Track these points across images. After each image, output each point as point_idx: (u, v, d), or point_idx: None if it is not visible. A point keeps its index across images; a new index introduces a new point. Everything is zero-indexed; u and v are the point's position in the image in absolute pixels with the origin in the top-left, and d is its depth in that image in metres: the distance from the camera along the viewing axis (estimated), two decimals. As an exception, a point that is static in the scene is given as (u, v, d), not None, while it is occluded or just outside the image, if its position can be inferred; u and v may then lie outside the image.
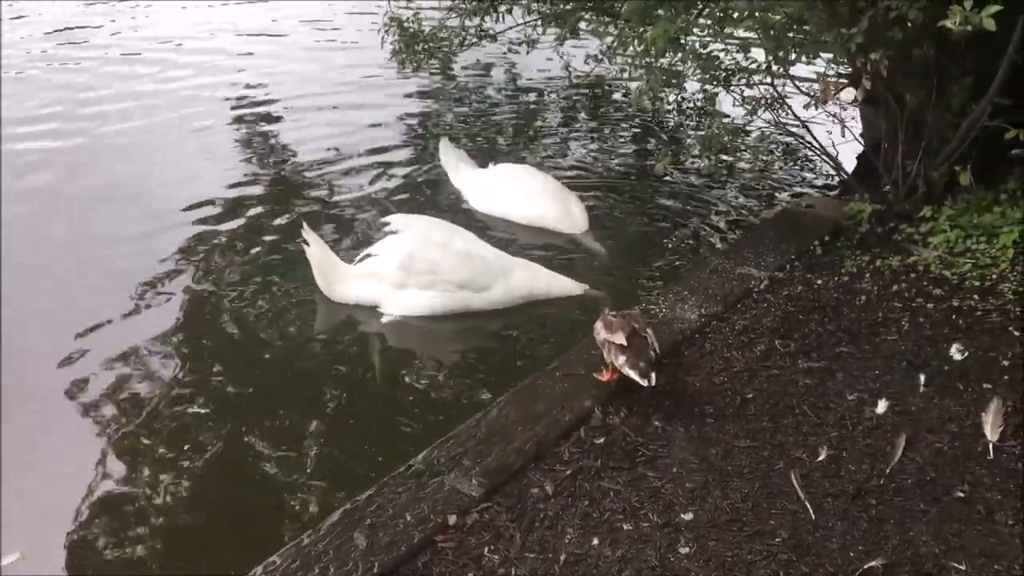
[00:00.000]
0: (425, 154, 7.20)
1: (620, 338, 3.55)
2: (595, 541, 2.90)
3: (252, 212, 6.13)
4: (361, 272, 4.99)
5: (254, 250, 5.59)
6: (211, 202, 6.24)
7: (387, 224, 5.09)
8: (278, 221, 6.00)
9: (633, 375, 3.47)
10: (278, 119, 8.02)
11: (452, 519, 3.00)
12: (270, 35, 10.84)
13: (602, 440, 3.36)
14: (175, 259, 5.45)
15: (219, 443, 3.89)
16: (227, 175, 6.77)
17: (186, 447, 3.87)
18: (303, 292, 5.07)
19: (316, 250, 4.94)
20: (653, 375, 3.45)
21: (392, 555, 2.85)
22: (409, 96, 8.72)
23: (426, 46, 7.47)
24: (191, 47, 10.25)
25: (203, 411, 4.11)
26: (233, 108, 8.26)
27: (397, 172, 6.88)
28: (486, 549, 2.88)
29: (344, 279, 5.00)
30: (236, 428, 3.98)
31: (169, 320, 4.81)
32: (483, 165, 6.56)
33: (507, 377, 4.23)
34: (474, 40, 7.68)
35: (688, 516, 2.99)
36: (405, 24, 7.43)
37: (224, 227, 5.89)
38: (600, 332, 3.65)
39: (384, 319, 4.90)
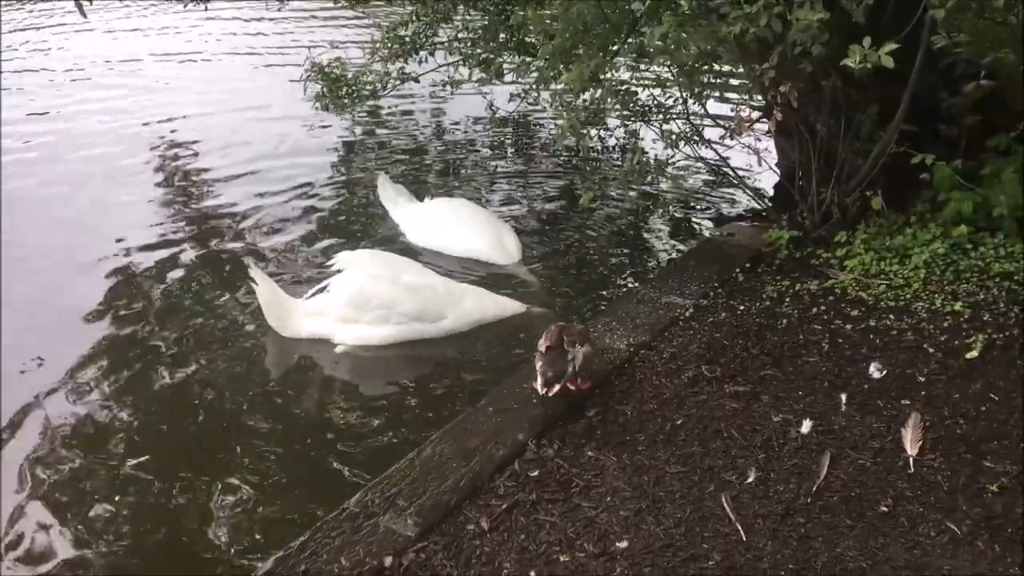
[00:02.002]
0: (359, 192, 7.24)
1: (542, 345, 3.77)
2: (532, 574, 2.91)
3: (186, 256, 6.08)
4: (312, 309, 5.00)
5: (192, 292, 5.57)
6: (144, 247, 6.20)
7: (332, 263, 5.13)
8: (214, 264, 5.97)
9: (537, 382, 3.69)
10: (204, 170, 7.93)
11: (388, 561, 2.98)
12: (188, 82, 10.77)
13: (536, 473, 3.38)
14: (106, 305, 5.38)
15: (147, 489, 3.81)
16: (154, 220, 6.72)
17: (112, 495, 3.78)
18: (250, 332, 5.06)
19: (264, 288, 4.93)
20: (555, 387, 3.66)
21: (328, 600, 2.82)
22: (335, 139, 8.73)
23: (350, 90, 7.50)
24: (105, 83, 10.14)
25: (134, 457, 4.02)
26: (155, 153, 8.20)
27: (334, 212, 6.92)
28: (423, 589, 2.87)
29: (295, 315, 5.00)
30: (166, 473, 3.90)
31: (104, 364, 4.74)
32: (420, 199, 6.62)
33: (448, 405, 4.31)
34: (397, 83, 7.74)
35: (623, 544, 3.02)
36: (327, 70, 7.46)
37: (158, 272, 5.85)
38: (539, 346, 3.83)
39: (337, 350, 4.92)
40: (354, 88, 7.46)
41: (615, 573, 2.90)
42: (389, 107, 9.50)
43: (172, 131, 8.88)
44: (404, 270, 5.13)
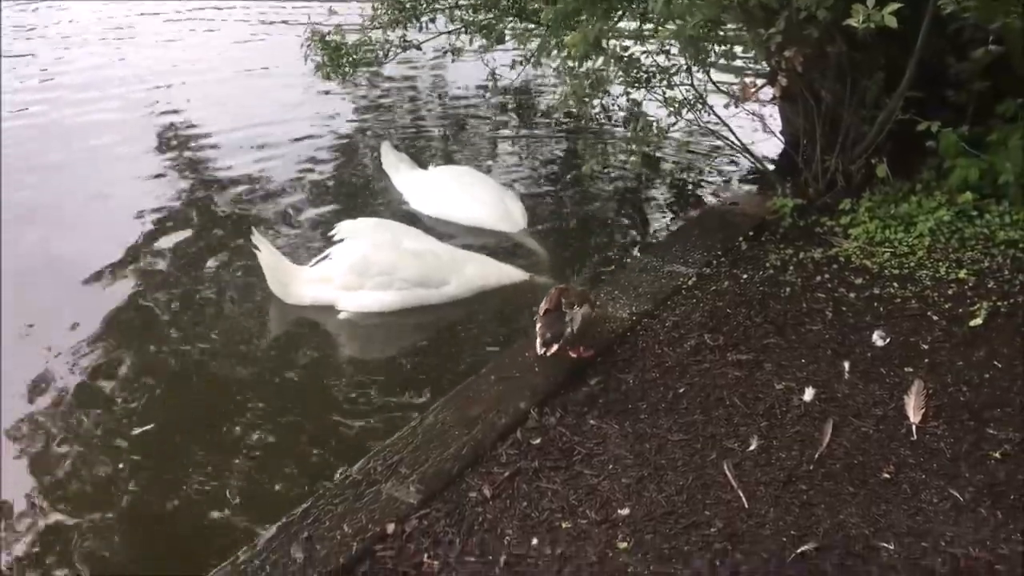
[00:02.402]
0: (361, 160, 7.22)
1: (541, 307, 3.80)
2: (534, 541, 2.91)
3: (190, 226, 6.08)
4: (314, 276, 5.01)
5: (197, 261, 5.55)
6: (146, 218, 6.18)
7: (335, 232, 5.12)
8: (218, 233, 5.97)
9: (537, 341, 3.71)
10: (205, 136, 7.91)
11: (390, 527, 2.98)
12: (185, 54, 10.70)
13: (538, 441, 3.38)
14: (104, 272, 5.38)
15: (145, 455, 3.82)
16: (154, 187, 6.73)
17: (116, 462, 3.79)
18: (252, 299, 5.07)
19: (267, 254, 4.94)
20: (553, 347, 3.69)
21: (330, 567, 2.82)
22: (337, 108, 8.69)
23: (350, 59, 7.44)
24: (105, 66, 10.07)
25: (138, 425, 4.03)
26: (156, 128, 8.15)
27: (335, 179, 6.91)
28: (425, 555, 2.87)
29: (298, 281, 5.01)
30: (170, 441, 3.91)
31: (104, 331, 4.75)
32: (424, 167, 6.60)
33: (450, 374, 4.30)
34: (398, 51, 7.68)
35: (625, 511, 3.02)
36: (328, 39, 7.40)
37: (162, 242, 5.84)
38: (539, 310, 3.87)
39: (341, 316, 4.92)
40: (355, 56, 7.40)
41: (617, 540, 2.90)
42: (391, 75, 9.44)
43: (171, 98, 8.85)
44: (406, 237, 5.11)
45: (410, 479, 3.19)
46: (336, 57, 7.42)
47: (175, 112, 8.57)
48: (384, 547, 2.91)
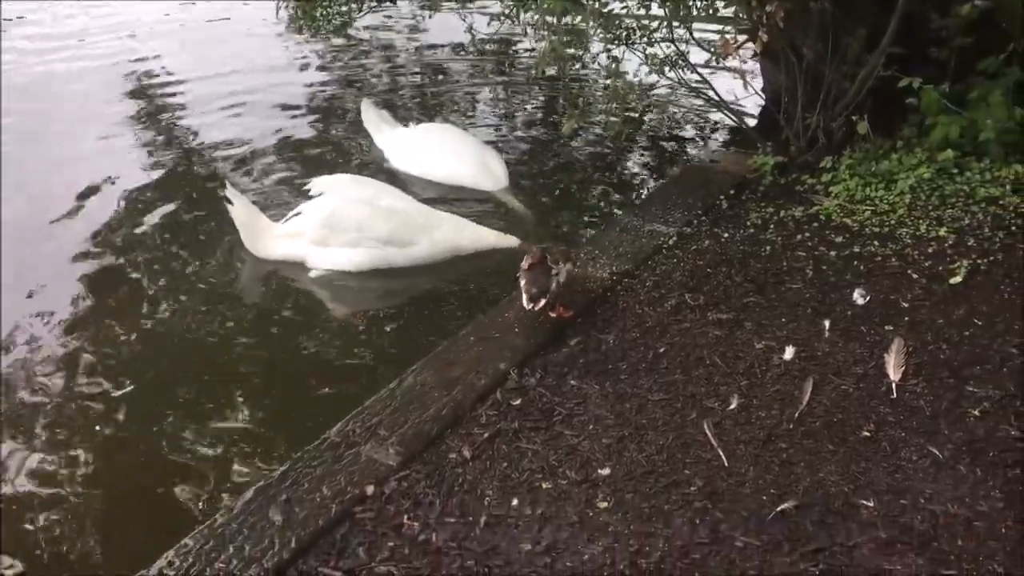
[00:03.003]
0: (337, 117, 7.15)
1: (525, 263, 3.75)
2: (515, 502, 2.90)
3: (161, 184, 6.01)
4: (286, 231, 4.95)
5: (168, 219, 5.50)
6: (113, 176, 6.07)
7: (309, 187, 5.06)
8: (188, 190, 5.90)
9: (523, 297, 3.68)
10: (173, 91, 7.78)
11: (370, 489, 2.96)
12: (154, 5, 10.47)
13: (518, 401, 3.36)
14: (79, 236, 5.30)
15: (122, 420, 3.79)
16: (124, 150, 6.59)
17: (92, 428, 3.75)
18: (225, 257, 5.02)
19: (240, 207, 4.88)
20: (541, 302, 3.65)
21: (309, 529, 2.80)
22: (310, 62, 8.55)
23: (325, 11, 7.30)
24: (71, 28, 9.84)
25: (114, 390, 3.97)
26: (128, 87, 7.99)
27: (310, 136, 6.84)
28: (405, 517, 2.85)
29: (269, 235, 4.96)
30: (141, 403, 3.87)
31: (78, 290, 4.71)
32: (404, 125, 6.54)
33: (426, 337, 4.23)
34: (374, 4, 7.53)
35: (605, 471, 3.01)
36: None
37: (130, 200, 5.77)
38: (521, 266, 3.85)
39: (312, 274, 4.88)
40: (329, 8, 7.26)
41: (597, 499, 2.89)
42: (366, 29, 9.27)
43: (140, 56, 8.66)
44: (382, 194, 5.04)
45: (389, 441, 3.16)
46: (310, 10, 7.28)
47: (142, 62, 8.40)
48: (363, 509, 2.89)
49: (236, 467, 3.50)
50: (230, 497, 3.08)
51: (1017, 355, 3.41)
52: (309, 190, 5.06)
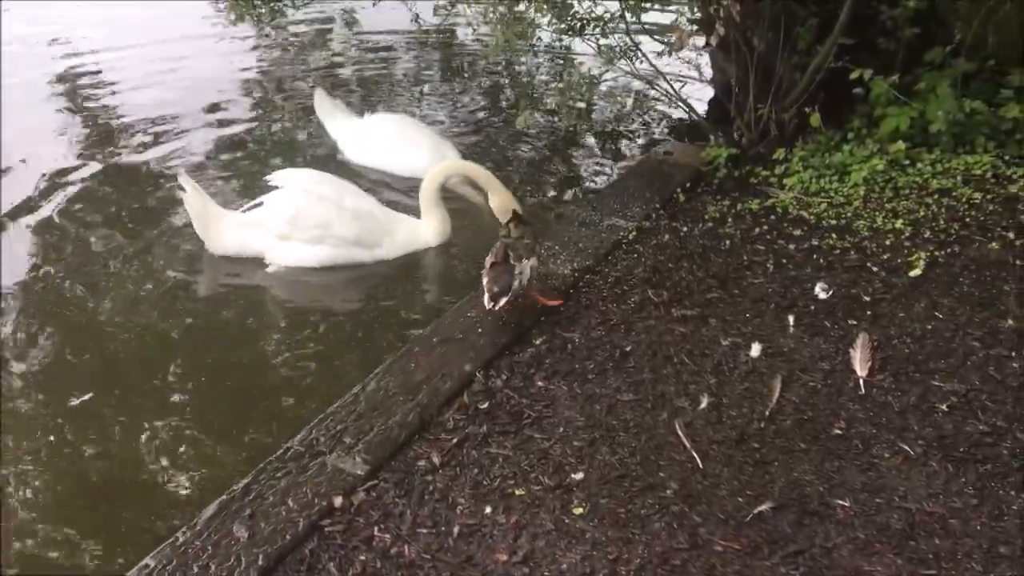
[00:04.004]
0: (282, 110, 7.02)
1: (488, 261, 3.71)
2: (488, 509, 2.83)
3: (111, 185, 5.79)
4: (246, 221, 4.81)
5: (121, 219, 5.30)
6: (52, 173, 5.85)
7: (271, 179, 4.92)
8: (141, 188, 5.72)
9: (484, 297, 3.61)
10: (111, 85, 7.50)
11: (338, 501, 2.86)
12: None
13: (486, 404, 3.28)
14: (27, 239, 5.10)
15: (76, 430, 3.61)
16: (62, 146, 6.37)
17: (48, 440, 3.57)
18: (181, 258, 4.87)
19: (195, 197, 4.71)
20: (502, 301, 3.58)
21: (276, 545, 2.70)
22: (249, 51, 8.33)
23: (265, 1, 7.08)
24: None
25: (68, 400, 3.79)
26: (60, 77, 7.69)
27: (257, 130, 6.69)
28: (376, 529, 2.77)
29: (226, 227, 4.80)
30: (90, 416, 3.70)
31: (32, 298, 4.52)
32: (360, 115, 6.38)
33: (390, 336, 4.18)
34: (314, -7, 7.35)
35: (579, 476, 2.96)
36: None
37: (74, 197, 5.56)
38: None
39: (269, 269, 4.76)
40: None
41: (572, 505, 2.83)
42: (306, 19, 9.06)
43: (76, 53, 8.33)
44: (345, 192, 4.91)
45: (355, 449, 3.06)
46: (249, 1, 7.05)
47: (77, 57, 8.09)
48: (332, 522, 2.80)
49: (197, 480, 3.36)
50: (192, 513, 2.95)
51: (980, 348, 3.45)
52: (269, 181, 4.91)
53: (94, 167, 5.98)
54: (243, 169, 5.94)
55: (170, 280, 4.65)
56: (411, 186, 5.59)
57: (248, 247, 4.80)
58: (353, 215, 4.78)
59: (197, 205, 4.74)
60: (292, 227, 4.72)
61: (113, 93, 7.41)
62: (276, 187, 4.87)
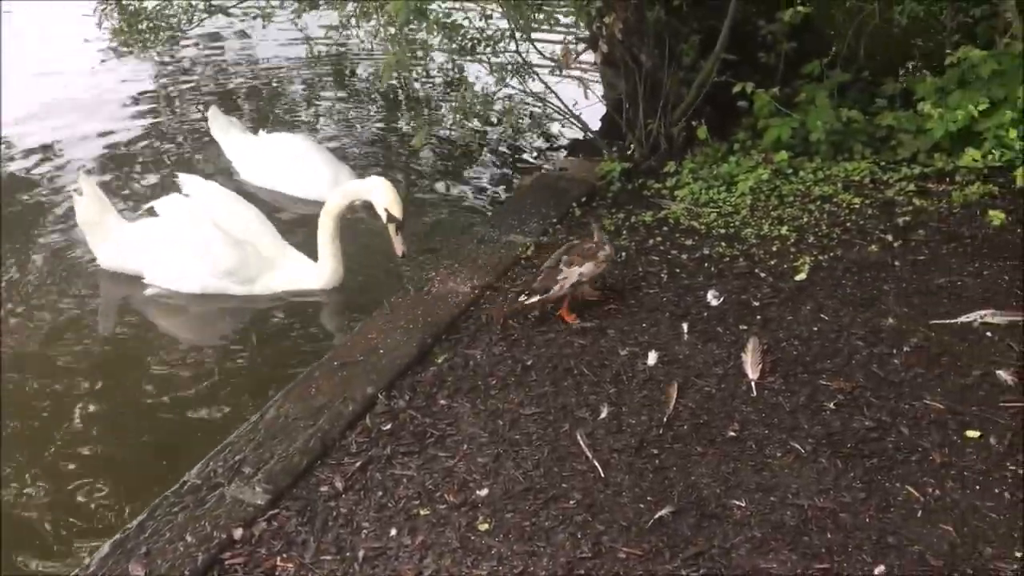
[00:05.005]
0: (173, 133, 6.96)
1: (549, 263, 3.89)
2: (393, 532, 2.82)
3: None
4: (131, 237, 4.73)
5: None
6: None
7: (178, 180, 4.87)
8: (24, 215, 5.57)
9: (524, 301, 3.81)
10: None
11: (238, 533, 2.81)
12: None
13: (389, 426, 3.27)
14: None
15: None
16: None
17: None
18: (59, 286, 4.76)
19: (92, 199, 4.62)
20: (531, 299, 3.78)
21: (175, 582, 2.63)
22: (136, 77, 8.13)
23: (151, 24, 6.91)
24: None
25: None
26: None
27: (151, 150, 6.63)
28: (279, 559, 2.73)
29: (116, 237, 4.72)
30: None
31: None
32: (255, 132, 6.28)
33: (282, 366, 4.10)
34: (204, 16, 7.20)
35: (484, 492, 2.96)
36: (124, 2, 6.84)
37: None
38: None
39: (147, 292, 4.67)
40: (156, 22, 6.88)
41: (477, 522, 2.84)
42: (196, 42, 8.89)
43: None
44: (237, 216, 4.77)
45: (255, 479, 3.01)
46: (134, 22, 6.87)
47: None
48: (232, 554, 2.75)
49: (88, 520, 3.24)
50: (85, 554, 2.85)
51: (863, 347, 3.59)
52: (177, 181, 4.85)
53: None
54: (133, 185, 5.86)
55: (50, 311, 4.52)
56: (306, 207, 5.54)
57: (127, 266, 4.72)
58: (232, 243, 4.62)
59: (92, 211, 4.63)
60: (171, 250, 4.62)
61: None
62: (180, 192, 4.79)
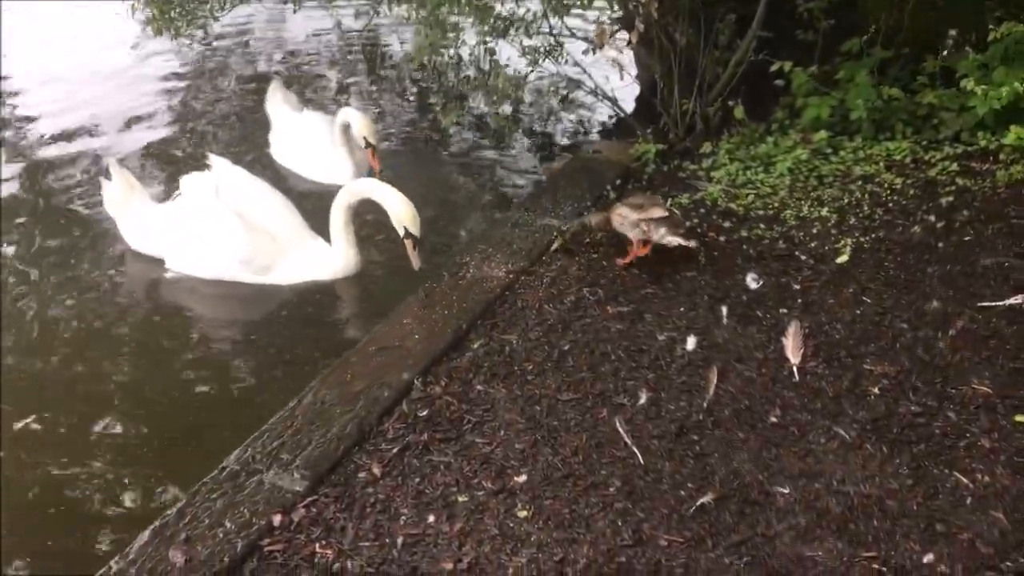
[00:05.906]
0: (205, 118, 7.02)
1: (658, 212, 4.04)
2: (431, 518, 2.79)
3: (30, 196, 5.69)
4: (155, 216, 4.76)
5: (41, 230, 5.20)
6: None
7: (208, 161, 4.87)
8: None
9: (681, 241, 4.02)
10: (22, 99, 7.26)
11: (277, 519, 2.80)
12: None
13: (426, 412, 3.25)
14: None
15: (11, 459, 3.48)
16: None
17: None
18: (95, 272, 4.78)
19: (121, 183, 4.70)
20: (692, 242, 4.04)
21: (214, 568, 2.62)
22: (169, 67, 8.16)
23: (182, 10, 6.92)
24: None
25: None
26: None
27: (180, 140, 6.63)
28: (318, 545, 2.71)
29: (147, 220, 4.76)
30: (11, 439, 3.58)
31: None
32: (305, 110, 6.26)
33: (314, 352, 4.08)
34: (236, 2, 7.19)
35: (522, 478, 2.94)
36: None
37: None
38: (628, 215, 4.08)
39: (167, 275, 4.71)
40: (188, 7, 6.89)
41: (516, 508, 2.82)
42: (227, 28, 8.90)
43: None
44: (258, 204, 4.71)
45: (293, 465, 3.00)
46: (166, 9, 6.89)
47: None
48: (272, 541, 2.73)
49: (127, 506, 3.26)
50: (125, 540, 2.85)
51: (907, 330, 3.52)
52: (207, 161, 4.86)
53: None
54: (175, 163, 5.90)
55: (88, 299, 4.54)
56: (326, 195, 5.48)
57: (150, 249, 4.76)
58: (248, 232, 4.57)
59: (122, 194, 4.67)
60: (186, 235, 4.64)
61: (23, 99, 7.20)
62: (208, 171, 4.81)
